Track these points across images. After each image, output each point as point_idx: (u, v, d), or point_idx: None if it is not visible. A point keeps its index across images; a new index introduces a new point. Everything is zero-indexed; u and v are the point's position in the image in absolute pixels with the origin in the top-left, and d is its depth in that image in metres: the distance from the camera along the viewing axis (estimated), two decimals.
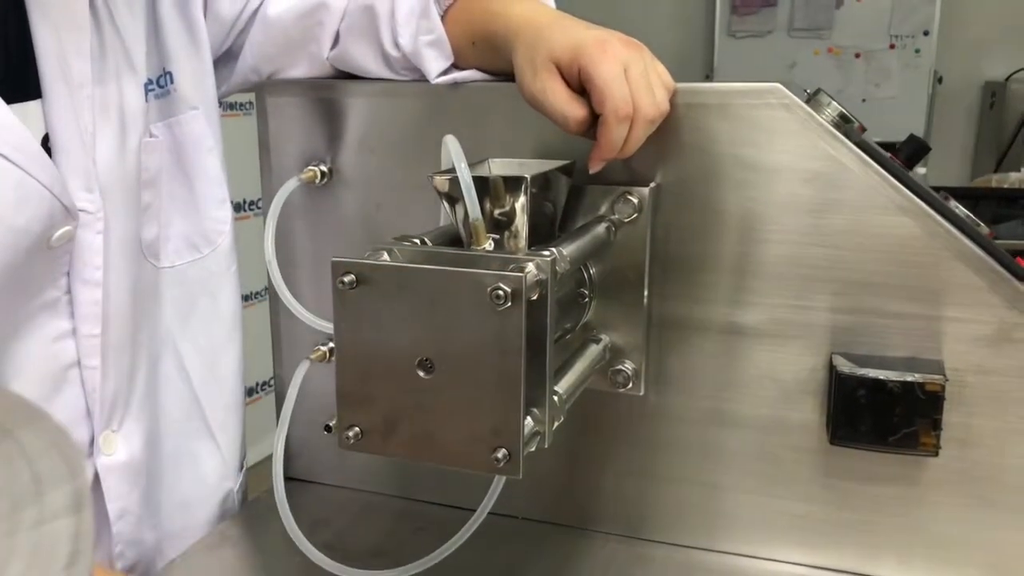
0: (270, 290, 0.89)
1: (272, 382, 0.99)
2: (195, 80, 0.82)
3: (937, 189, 0.92)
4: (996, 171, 3.25)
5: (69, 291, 0.71)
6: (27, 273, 0.66)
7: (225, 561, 0.87)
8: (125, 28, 0.74)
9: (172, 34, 0.79)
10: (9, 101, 0.64)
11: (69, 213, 0.68)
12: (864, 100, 3.71)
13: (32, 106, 0.67)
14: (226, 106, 0.98)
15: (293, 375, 0.84)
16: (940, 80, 3.67)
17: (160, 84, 0.78)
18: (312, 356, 0.84)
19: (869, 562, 0.79)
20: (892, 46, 3.67)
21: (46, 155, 0.66)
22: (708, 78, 3.86)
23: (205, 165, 0.83)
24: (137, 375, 0.80)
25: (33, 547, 0.30)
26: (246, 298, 0.94)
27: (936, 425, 0.72)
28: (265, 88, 0.91)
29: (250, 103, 0.95)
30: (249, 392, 1.86)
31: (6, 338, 0.66)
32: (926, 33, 3.63)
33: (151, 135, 0.78)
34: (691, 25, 3.96)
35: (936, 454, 0.73)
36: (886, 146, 0.91)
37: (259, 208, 2.10)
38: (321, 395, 0.70)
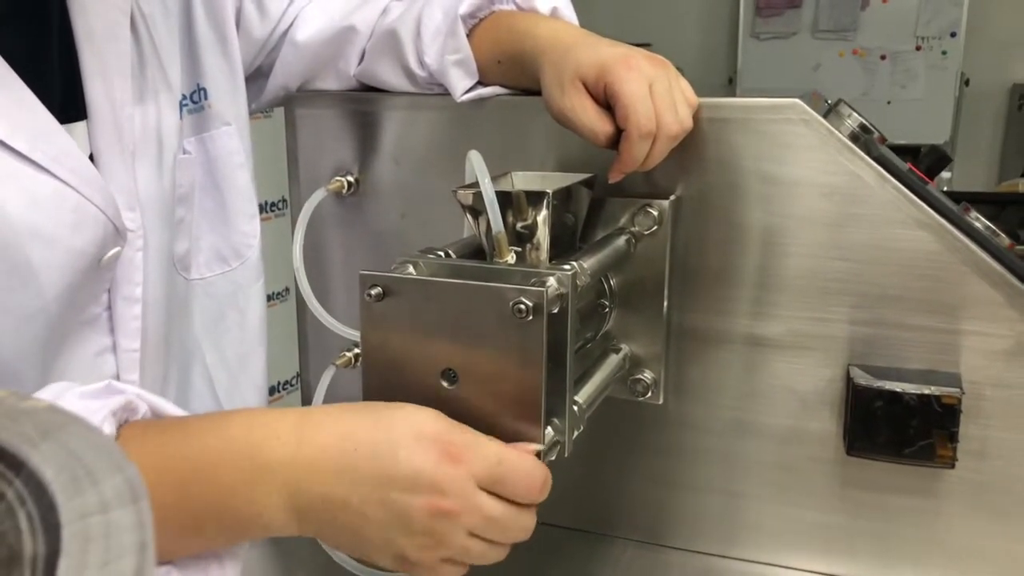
0: (297, 296, 0.91)
1: (294, 381, 1.01)
2: (229, 96, 0.83)
3: (960, 196, 0.92)
4: (1023, 175, 3.22)
5: (109, 307, 0.71)
6: (76, 292, 0.67)
7: (250, 562, 0.88)
8: (162, 46, 0.76)
9: (207, 50, 0.81)
10: (61, 123, 0.65)
11: (119, 234, 0.69)
12: (889, 102, 3.69)
13: (79, 127, 0.68)
14: None
15: (319, 380, 0.86)
16: (967, 82, 3.63)
17: (194, 100, 0.80)
18: (337, 362, 0.86)
19: (885, 572, 0.80)
20: (918, 48, 3.64)
21: (100, 178, 0.67)
22: (732, 80, 3.85)
23: (236, 180, 0.84)
24: (169, 386, 0.81)
25: (104, 535, 0.31)
26: (268, 298, 0.96)
27: (953, 437, 0.72)
28: (294, 100, 0.93)
29: (270, 108, 0.97)
30: (270, 391, 1.87)
31: (51, 354, 0.67)
32: (953, 35, 3.60)
33: (185, 151, 0.79)
34: (715, 27, 3.95)
35: (953, 466, 0.73)
36: (910, 149, 0.92)
37: (279, 209, 2.14)
38: (346, 398, 0.71)
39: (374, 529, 0.53)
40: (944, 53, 3.62)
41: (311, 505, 0.53)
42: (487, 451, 0.55)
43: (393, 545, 0.54)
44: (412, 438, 0.53)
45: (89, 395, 0.54)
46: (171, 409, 0.58)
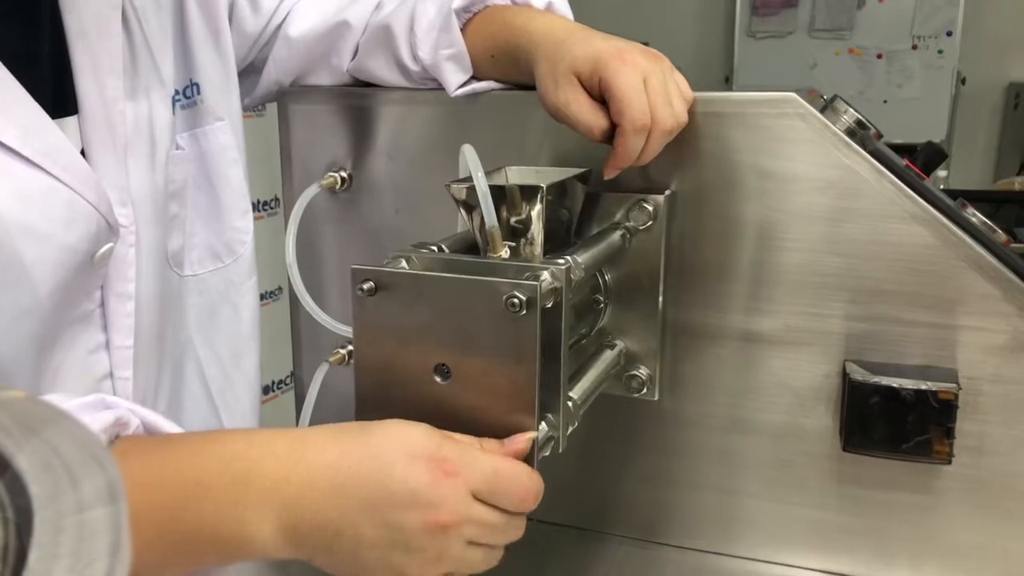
0: (290, 293, 0.90)
1: (288, 381, 1.01)
2: (221, 92, 0.83)
3: (957, 193, 0.92)
4: (1019, 173, 3.22)
5: (102, 304, 0.71)
6: (69, 288, 0.66)
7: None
8: (154, 42, 0.75)
9: (199, 45, 0.80)
10: (52, 118, 0.64)
11: (112, 230, 0.69)
12: (886, 101, 3.69)
13: (70, 122, 0.67)
14: None
15: (313, 377, 0.85)
16: (963, 81, 3.63)
17: (187, 95, 0.80)
18: (331, 359, 0.86)
19: (882, 568, 0.79)
20: (915, 47, 3.64)
21: (93, 173, 0.67)
22: (728, 79, 3.85)
23: (229, 176, 0.84)
24: (162, 384, 0.81)
25: (77, 532, 0.31)
26: (261, 297, 0.95)
27: (949, 433, 0.72)
28: (287, 96, 0.92)
29: (262, 105, 0.97)
30: (265, 390, 1.86)
31: (45, 352, 0.67)
32: (949, 34, 3.59)
33: (177, 147, 0.78)
34: (711, 26, 3.95)
35: (949, 462, 0.73)
36: (907, 148, 0.91)
37: (271, 209, 2.13)
38: (340, 395, 0.71)
39: (371, 551, 0.53)
40: (940, 52, 3.62)
41: (303, 530, 0.52)
42: (482, 463, 0.55)
43: (392, 565, 0.53)
44: (405, 457, 0.53)
45: (80, 409, 0.53)
46: (164, 424, 0.57)
